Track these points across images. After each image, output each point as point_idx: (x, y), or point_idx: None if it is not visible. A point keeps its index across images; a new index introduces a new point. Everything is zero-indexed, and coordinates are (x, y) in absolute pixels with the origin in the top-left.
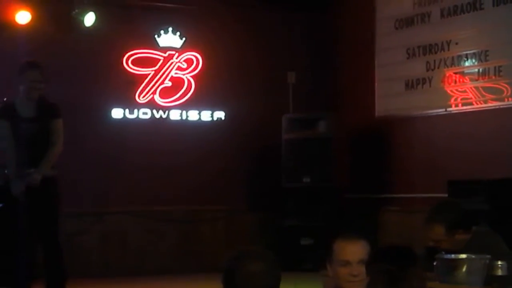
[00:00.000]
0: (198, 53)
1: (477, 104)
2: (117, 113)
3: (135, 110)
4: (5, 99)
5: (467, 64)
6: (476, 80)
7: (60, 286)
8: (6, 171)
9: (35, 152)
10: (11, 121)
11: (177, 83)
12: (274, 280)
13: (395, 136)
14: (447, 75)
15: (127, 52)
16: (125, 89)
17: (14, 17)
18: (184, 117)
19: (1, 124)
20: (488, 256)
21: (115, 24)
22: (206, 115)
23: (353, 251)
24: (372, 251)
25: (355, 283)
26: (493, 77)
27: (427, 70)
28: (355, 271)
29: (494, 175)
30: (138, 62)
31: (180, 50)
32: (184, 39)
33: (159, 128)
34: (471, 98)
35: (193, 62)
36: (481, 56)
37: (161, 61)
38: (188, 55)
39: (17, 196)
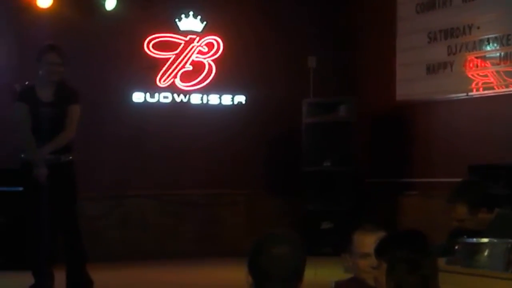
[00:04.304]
0: (219, 37)
1: (498, 88)
2: (138, 97)
3: (156, 94)
4: (27, 83)
5: (488, 48)
6: (498, 64)
7: (80, 269)
8: (22, 155)
9: (52, 137)
10: (31, 104)
11: (198, 67)
12: (299, 263)
13: (416, 121)
14: (469, 59)
15: (148, 36)
16: (146, 73)
17: (35, 1)
18: (204, 101)
19: (20, 107)
20: (511, 241)
21: (136, 8)
22: (226, 99)
23: (372, 243)
24: (388, 236)
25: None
26: None
27: (449, 55)
28: (375, 263)
29: None
30: (159, 46)
31: (201, 34)
32: (205, 23)
33: (180, 112)
34: (492, 83)
35: (213, 46)
36: (503, 40)
37: (182, 45)
38: (208, 39)
39: (40, 179)
